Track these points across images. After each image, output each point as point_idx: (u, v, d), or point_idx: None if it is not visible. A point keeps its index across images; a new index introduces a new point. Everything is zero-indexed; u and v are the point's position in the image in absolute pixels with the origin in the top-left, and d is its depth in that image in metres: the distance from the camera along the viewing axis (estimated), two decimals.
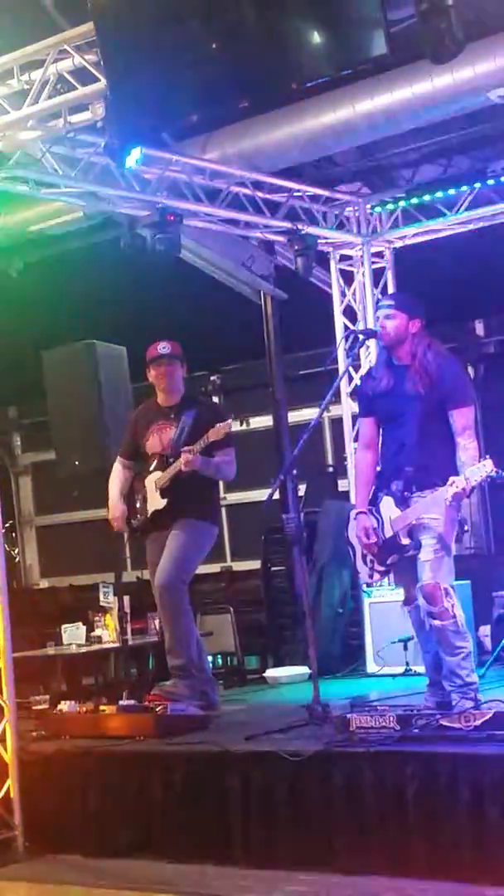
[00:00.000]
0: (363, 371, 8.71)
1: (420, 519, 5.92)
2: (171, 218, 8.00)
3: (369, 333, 6.49)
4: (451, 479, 5.76)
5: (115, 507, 7.33)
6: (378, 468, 6.22)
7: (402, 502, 5.98)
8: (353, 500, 6.71)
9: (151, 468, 7.19)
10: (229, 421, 6.91)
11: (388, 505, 6.03)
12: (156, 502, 7.13)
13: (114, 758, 6.33)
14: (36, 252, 10.16)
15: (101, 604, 8.53)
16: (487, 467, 5.77)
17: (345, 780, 5.44)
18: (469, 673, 5.97)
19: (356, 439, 7.47)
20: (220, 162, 8.38)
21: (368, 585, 8.54)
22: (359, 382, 8.02)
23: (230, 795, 5.79)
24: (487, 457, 5.81)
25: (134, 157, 6.99)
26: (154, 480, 7.15)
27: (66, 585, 13.15)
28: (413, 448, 5.96)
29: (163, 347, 7.18)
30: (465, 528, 6.19)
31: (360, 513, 6.14)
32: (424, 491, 5.94)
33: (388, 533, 6.02)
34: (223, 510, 11.42)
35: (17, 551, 14.89)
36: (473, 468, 5.78)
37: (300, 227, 8.95)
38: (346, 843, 5.40)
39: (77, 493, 11.44)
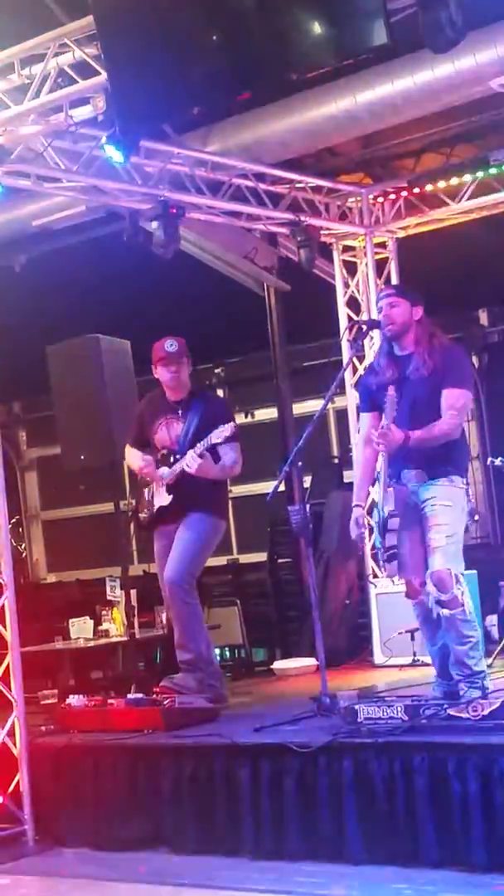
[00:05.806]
0: (367, 362, 8.69)
1: (432, 506, 5.91)
2: (174, 211, 7.99)
3: (373, 324, 6.47)
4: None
5: (143, 460, 7.16)
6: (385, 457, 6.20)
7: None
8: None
9: (158, 463, 7.16)
10: (231, 424, 6.85)
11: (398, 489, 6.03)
12: (162, 498, 7.12)
13: (122, 751, 6.33)
14: (39, 246, 10.16)
15: (108, 598, 8.55)
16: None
17: (353, 770, 5.44)
18: (477, 662, 5.97)
19: None
20: (222, 154, 8.36)
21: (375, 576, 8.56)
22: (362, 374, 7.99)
23: (239, 787, 5.79)
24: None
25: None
26: (160, 476, 7.13)
27: (73, 580, 13.16)
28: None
29: (170, 345, 7.07)
30: (476, 517, 6.17)
31: (357, 506, 6.17)
32: (438, 479, 5.95)
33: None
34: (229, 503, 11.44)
35: (23, 546, 14.92)
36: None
37: (303, 218, 8.93)
38: (355, 833, 5.41)
39: (83, 487, 11.48)
